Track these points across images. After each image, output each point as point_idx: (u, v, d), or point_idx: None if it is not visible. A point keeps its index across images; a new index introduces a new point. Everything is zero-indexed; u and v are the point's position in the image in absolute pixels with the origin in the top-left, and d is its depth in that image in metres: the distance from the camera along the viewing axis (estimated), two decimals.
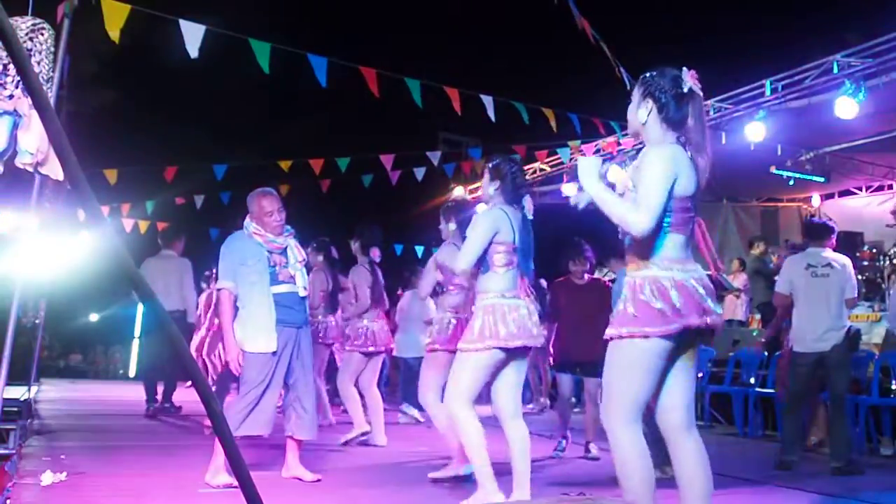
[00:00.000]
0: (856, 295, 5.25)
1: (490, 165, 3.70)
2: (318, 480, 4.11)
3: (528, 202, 3.61)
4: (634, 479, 2.39)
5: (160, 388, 7.50)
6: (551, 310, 5.49)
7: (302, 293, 4.21)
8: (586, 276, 5.51)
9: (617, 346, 2.45)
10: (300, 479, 4.13)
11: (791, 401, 5.24)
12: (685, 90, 2.48)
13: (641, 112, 2.52)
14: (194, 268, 7.84)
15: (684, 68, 2.52)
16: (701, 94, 2.52)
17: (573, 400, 6.06)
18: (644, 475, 2.38)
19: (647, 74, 2.55)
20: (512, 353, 3.44)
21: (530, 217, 3.61)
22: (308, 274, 5.06)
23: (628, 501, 2.38)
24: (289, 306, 4.12)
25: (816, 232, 5.37)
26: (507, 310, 3.41)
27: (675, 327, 2.36)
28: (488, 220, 3.52)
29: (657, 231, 2.40)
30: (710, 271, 2.54)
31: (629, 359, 2.42)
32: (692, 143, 2.49)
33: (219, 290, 4.15)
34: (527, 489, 3.41)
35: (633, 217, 2.37)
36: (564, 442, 5.48)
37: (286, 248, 4.21)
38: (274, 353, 4.00)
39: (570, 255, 5.46)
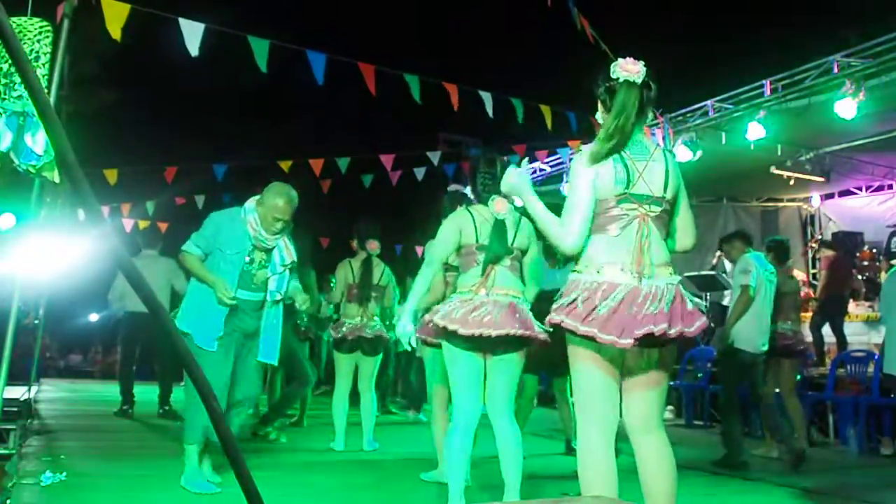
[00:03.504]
0: None
1: (470, 163, 3.65)
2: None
3: (495, 203, 3.38)
4: (589, 481, 2.36)
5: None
6: None
7: (271, 297, 3.95)
8: None
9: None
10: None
11: (732, 401, 5.33)
12: (620, 80, 2.48)
13: (597, 114, 2.59)
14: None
15: (619, 59, 2.51)
16: (636, 80, 2.47)
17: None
18: (597, 482, 2.34)
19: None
20: None
21: (500, 216, 3.37)
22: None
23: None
24: (245, 312, 3.86)
25: (749, 238, 5.63)
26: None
27: (585, 330, 2.31)
28: (448, 225, 3.44)
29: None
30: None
31: (572, 357, 2.44)
32: (617, 132, 2.45)
33: (183, 251, 3.88)
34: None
35: (561, 238, 2.43)
36: None
37: (273, 248, 3.94)
38: (216, 353, 3.74)
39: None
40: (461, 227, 3.40)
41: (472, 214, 3.43)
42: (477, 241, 3.36)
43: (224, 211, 3.99)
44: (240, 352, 3.90)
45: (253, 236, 3.87)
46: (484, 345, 3.21)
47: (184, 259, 3.91)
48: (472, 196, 3.62)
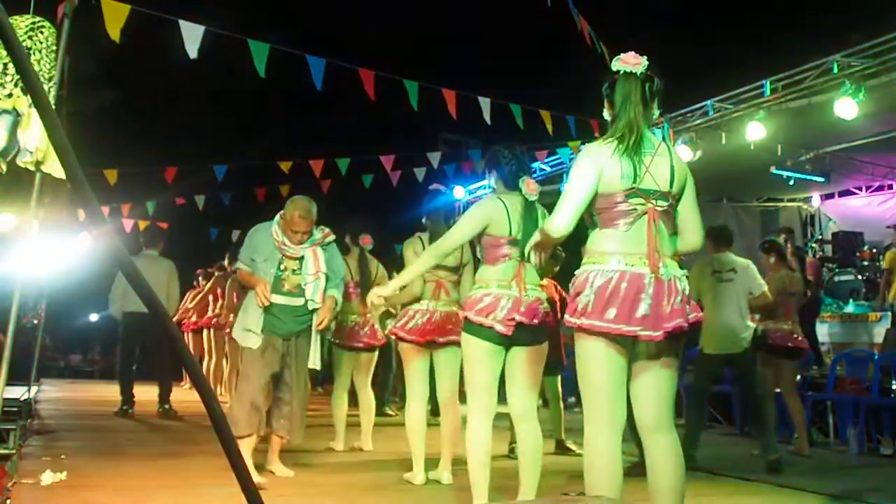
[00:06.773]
0: (766, 289, 5.42)
1: (486, 158, 3.47)
2: (289, 477, 4.27)
3: (525, 184, 3.16)
4: (594, 481, 2.35)
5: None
6: None
7: (310, 306, 4.18)
8: None
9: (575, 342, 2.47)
10: (273, 473, 4.28)
11: (699, 398, 5.40)
12: (620, 72, 2.50)
13: (604, 112, 2.60)
14: (192, 267, 7.80)
15: (621, 54, 2.53)
16: (635, 71, 2.48)
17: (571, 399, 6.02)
18: (603, 482, 2.33)
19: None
20: None
21: (532, 198, 3.16)
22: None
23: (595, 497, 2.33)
24: (278, 317, 4.13)
25: (722, 238, 5.56)
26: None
27: (584, 322, 2.34)
28: (477, 211, 3.17)
29: (595, 227, 2.49)
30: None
31: (581, 355, 2.43)
32: (628, 125, 2.45)
33: (237, 268, 4.40)
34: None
35: (549, 222, 2.49)
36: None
37: (302, 256, 4.19)
38: (260, 353, 4.10)
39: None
40: (491, 216, 3.13)
41: (504, 203, 3.15)
42: (510, 233, 3.11)
43: (258, 225, 4.31)
44: (289, 352, 4.18)
45: (277, 246, 4.16)
46: (507, 340, 3.05)
47: (239, 275, 4.37)
48: (494, 186, 3.37)
